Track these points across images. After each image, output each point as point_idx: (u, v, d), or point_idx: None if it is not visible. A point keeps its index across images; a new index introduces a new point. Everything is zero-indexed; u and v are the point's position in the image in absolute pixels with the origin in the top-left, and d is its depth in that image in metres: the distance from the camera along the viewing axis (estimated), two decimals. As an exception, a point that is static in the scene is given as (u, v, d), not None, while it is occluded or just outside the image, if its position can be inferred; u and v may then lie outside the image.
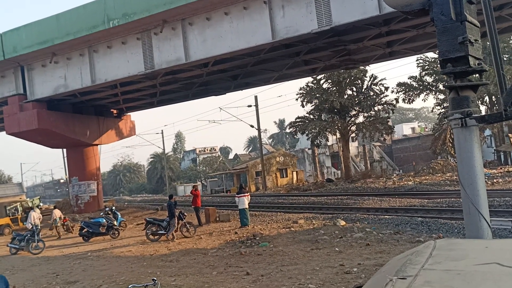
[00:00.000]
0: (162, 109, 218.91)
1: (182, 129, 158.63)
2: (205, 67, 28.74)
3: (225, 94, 37.25)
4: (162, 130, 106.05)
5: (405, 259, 2.29)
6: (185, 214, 21.80)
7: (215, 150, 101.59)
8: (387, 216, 20.25)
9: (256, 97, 51.30)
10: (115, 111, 41.87)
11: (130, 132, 43.86)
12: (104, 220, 22.95)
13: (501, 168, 38.64)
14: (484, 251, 2.41)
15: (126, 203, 50.82)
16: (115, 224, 23.29)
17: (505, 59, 44.23)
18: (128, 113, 43.54)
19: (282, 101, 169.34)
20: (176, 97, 38.72)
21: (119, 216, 25.44)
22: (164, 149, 78.57)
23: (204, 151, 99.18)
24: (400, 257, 2.55)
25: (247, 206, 22.34)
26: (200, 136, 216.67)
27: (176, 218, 20.57)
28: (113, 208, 26.77)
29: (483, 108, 46.32)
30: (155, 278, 7.98)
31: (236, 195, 23.22)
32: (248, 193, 23.82)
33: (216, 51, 24.97)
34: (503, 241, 2.82)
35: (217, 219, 25.23)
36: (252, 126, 52.66)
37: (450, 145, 46.36)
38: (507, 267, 2.04)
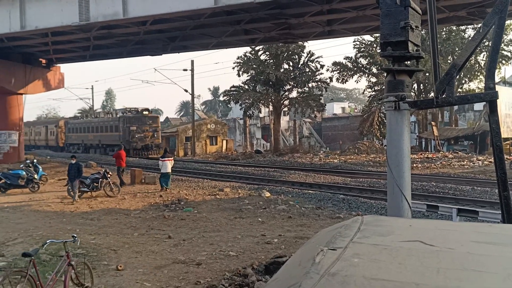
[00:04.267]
0: (94, 64, 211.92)
1: (113, 86, 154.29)
2: (143, 25, 27.94)
3: (161, 55, 36.50)
4: (92, 86, 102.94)
5: (335, 232, 2.35)
6: (110, 173, 21.37)
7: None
8: (311, 191, 20.78)
9: (192, 62, 50.63)
10: (44, 61, 40.03)
11: (59, 84, 42.16)
12: (24, 173, 22.08)
13: (421, 154, 40.35)
14: (408, 229, 2.51)
15: (48, 157, 49.12)
16: (36, 177, 22.44)
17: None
18: (58, 65, 41.77)
19: (218, 68, 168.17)
20: (110, 53, 37.54)
21: (40, 169, 24.50)
22: (92, 105, 76.44)
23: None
24: (329, 229, 2.61)
25: (169, 171, 22.14)
26: (132, 96, 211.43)
27: (77, 181, 19.65)
28: (35, 161, 25.75)
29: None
30: (75, 235, 7.84)
31: (160, 159, 23.02)
32: (172, 158, 23.48)
33: (156, 10, 24.29)
34: (425, 221, 2.96)
35: (143, 180, 24.94)
36: (186, 91, 51.98)
37: (377, 127, 47.90)
38: (429, 245, 2.14)
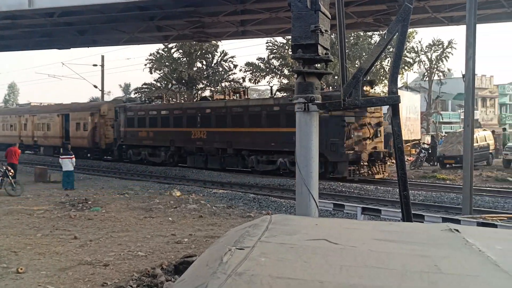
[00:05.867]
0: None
1: (17, 80, 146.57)
2: (50, 17, 26.68)
3: (69, 48, 35.16)
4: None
5: (243, 231, 2.37)
6: (12, 171, 20.28)
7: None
8: (222, 190, 20.87)
9: (103, 57, 49.27)
10: None
11: (-46, 76, 39.46)
12: None
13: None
14: (314, 228, 2.58)
15: None
16: None
17: (345, 54, 47.43)
18: (-46, 55, 39.14)
19: (130, 64, 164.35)
20: (14, 44, 35.56)
21: None
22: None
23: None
24: (238, 228, 2.63)
25: (71, 169, 21.30)
26: (37, 90, 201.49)
27: None
28: None
29: (320, 97, 49.22)
30: (-30, 237, 7.37)
31: (60, 157, 22.08)
32: (73, 156, 22.05)
33: (65, 1, 23.31)
34: (330, 220, 3.06)
35: (49, 179, 23.90)
36: (95, 87, 50.41)
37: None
38: (333, 244, 2.21)
